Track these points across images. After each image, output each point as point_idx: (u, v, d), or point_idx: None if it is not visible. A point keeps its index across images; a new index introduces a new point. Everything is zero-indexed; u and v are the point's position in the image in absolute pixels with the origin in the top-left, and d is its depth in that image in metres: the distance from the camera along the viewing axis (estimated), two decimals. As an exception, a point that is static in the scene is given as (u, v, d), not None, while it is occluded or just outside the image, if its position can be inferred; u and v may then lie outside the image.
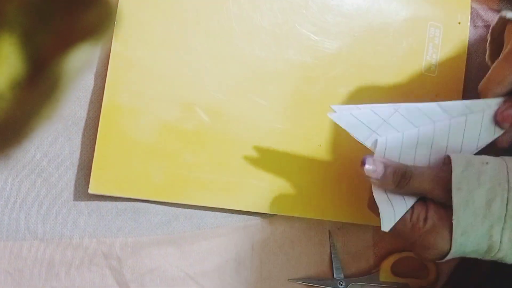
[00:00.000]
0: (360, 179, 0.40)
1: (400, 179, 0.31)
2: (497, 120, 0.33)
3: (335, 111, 0.31)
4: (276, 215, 0.38)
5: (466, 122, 0.33)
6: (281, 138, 0.38)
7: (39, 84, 0.15)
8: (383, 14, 0.42)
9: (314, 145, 0.39)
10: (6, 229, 0.32)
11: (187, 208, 0.36)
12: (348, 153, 0.40)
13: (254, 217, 0.38)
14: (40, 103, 0.15)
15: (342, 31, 0.40)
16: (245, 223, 0.37)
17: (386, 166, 0.31)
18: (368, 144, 0.32)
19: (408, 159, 0.33)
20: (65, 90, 0.15)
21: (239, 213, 0.37)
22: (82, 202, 0.34)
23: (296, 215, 0.38)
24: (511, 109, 0.33)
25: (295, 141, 0.38)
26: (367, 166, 0.31)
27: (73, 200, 0.33)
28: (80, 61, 0.15)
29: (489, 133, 0.34)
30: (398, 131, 0.33)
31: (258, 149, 0.37)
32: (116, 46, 0.33)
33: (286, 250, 0.38)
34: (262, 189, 0.37)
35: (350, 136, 0.38)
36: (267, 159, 0.37)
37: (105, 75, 0.33)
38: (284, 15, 0.38)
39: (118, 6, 0.34)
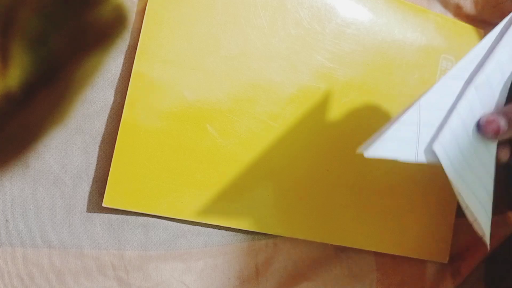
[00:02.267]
0: (364, 204, 0.41)
1: None
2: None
3: (367, 150, 0.27)
4: (280, 236, 0.39)
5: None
6: (290, 162, 0.39)
7: (52, 87, 0.15)
8: (397, 45, 0.42)
9: (322, 169, 0.40)
10: (20, 235, 0.33)
11: (195, 225, 0.37)
12: (355, 179, 0.41)
13: (259, 237, 0.38)
14: (53, 107, 0.15)
15: (356, 60, 0.41)
16: (250, 243, 0.38)
17: (505, 113, 0.29)
18: (423, 159, 0.28)
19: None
20: (78, 94, 0.15)
21: (244, 233, 0.38)
22: (95, 214, 0.35)
23: (300, 237, 0.39)
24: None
25: (303, 165, 0.39)
26: (490, 127, 0.29)
27: (86, 212, 0.34)
28: (93, 65, 0.15)
29: None
30: (436, 125, 0.29)
31: (266, 171, 0.38)
32: (138, 65, 0.34)
33: (289, 271, 0.39)
34: (268, 210, 0.38)
35: (357, 162, 0.39)
36: (275, 181, 0.38)
37: (125, 92, 0.34)
38: (301, 41, 0.39)
39: (142, 26, 0.35)
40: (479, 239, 0.45)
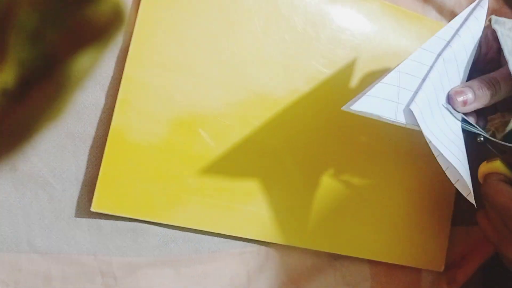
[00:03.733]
0: (358, 212, 0.40)
1: (492, 84, 0.33)
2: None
3: (352, 105, 0.29)
4: (273, 243, 0.38)
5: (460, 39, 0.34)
6: (283, 167, 0.38)
7: (47, 83, 0.15)
8: (392, 51, 0.42)
9: (315, 175, 0.39)
10: (6, 240, 0.33)
11: (186, 231, 0.36)
12: (350, 185, 0.40)
13: (251, 244, 0.38)
14: (49, 102, 0.15)
15: (351, 65, 0.41)
16: (242, 250, 0.38)
17: (471, 86, 0.33)
18: (402, 118, 0.30)
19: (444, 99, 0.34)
20: (73, 91, 0.15)
21: (236, 239, 0.37)
22: (84, 219, 0.34)
23: (293, 244, 0.38)
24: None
25: (297, 171, 0.39)
26: (460, 99, 0.33)
27: (75, 216, 0.34)
28: (89, 62, 0.15)
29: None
30: (413, 90, 0.32)
31: (259, 176, 0.38)
32: (129, 69, 0.34)
33: (282, 279, 0.39)
34: (261, 217, 0.38)
35: (352, 169, 0.39)
36: (268, 187, 0.38)
37: (116, 95, 0.34)
38: (296, 46, 0.39)
39: (134, 30, 0.34)
40: (474, 247, 0.44)
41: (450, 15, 0.45)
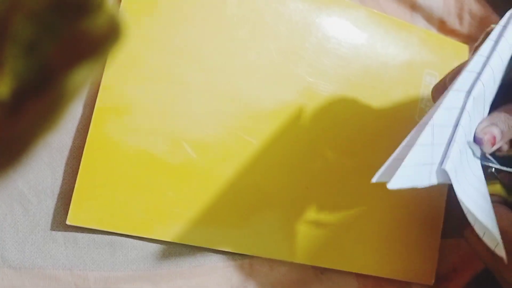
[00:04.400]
0: (345, 224, 0.39)
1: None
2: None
3: (389, 182, 0.25)
4: (257, 257, 0.37)
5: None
6: (267, 179, 0.37)
7: (43, 95, 0.15)
8: (380, 59, 0.42)
9: (302, 187, 0.39)
10: (-21, 254, 0.32)
11: (166, 244, 0.35)
12: (335, 197, 0.39)
13: (233, 257, 0.37)
14: (44, 115, 0.15)
15: (338, 74, 0.40)
16: (224, 264, 0.36)
17: (496, 124, 0.30)
18: (435, 181, 0.26)
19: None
20: (69, 103, 0.15)
21: (218, 253, 0.36)
22: (59, 233, 0.33)
23: (277, 258, 0.37)
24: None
25: (281, 182, 0.38)
26: (486, 138, 0.29)
27: (50, 230, 0.33)
28: (84, 75, 0.15)
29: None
30: (444, 143, 0.27)
31: (242, 188, 0.37)
32: (107, 78, 0.33)
33: (266, 293, 0.38)
34: (243, 230, 0.36)
35: (338, 181, 0.38)
36: (251, 199, 0.37)
37: (94, 105, 0.33)
38: (281, 55, 0.38)
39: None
40: (465, 260, 0.43)
41: (439, 23, 0.44)
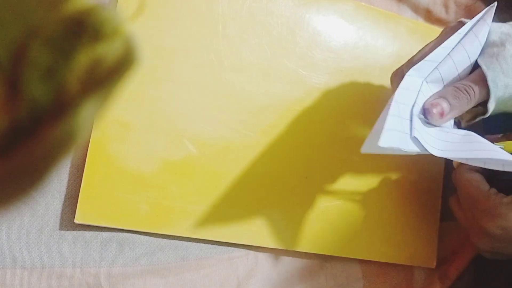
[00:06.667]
0: (347, 212, 0.40)
1: (466, 91, 0.32)
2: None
3: (378, 141, 0.27)
4: (262, 247, 0.38)
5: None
6: (267, 170, 0.38)
7: (60, 120, 0.15)
8: (370, 50, 0.43)
9: (301, 177, 0.40)
10: (-9, 257, 0.32)
11: (172, 239, 0.36)
12: (335, 186, 0.40)
13: (239, 249, 0.38)
14: (60, 139, 0.15)
15: (329, 66, 0.41)
16: (230, 255, 0.37)
17: (445, 96, 0.32)
18: (413, 148, 0.30)
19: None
20: (85, 128, 0.15)
21: (224, 245, 0.37)
22: (68, 232, 0.34)
23: (282, 247, 0.38)
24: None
25: (281, 173, 0.39)
26: (435, 110, 0.32)
27: (59, 229, 0.34)
28: (99, 100, 0.15)
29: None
30: (408, 118, 0.32)
31: (243, 181, 0.38)
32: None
33: (273, 283, 0.38)
34: (248, 221, 0.37)
35: (337, 169, 0.38)
36: (253, 191, 0.38)
37: (95, 107, 0.34)
38: (273, 49, 0.40)
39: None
40: (465, 241, 0.44)
41: (425, 12, 0.45)
